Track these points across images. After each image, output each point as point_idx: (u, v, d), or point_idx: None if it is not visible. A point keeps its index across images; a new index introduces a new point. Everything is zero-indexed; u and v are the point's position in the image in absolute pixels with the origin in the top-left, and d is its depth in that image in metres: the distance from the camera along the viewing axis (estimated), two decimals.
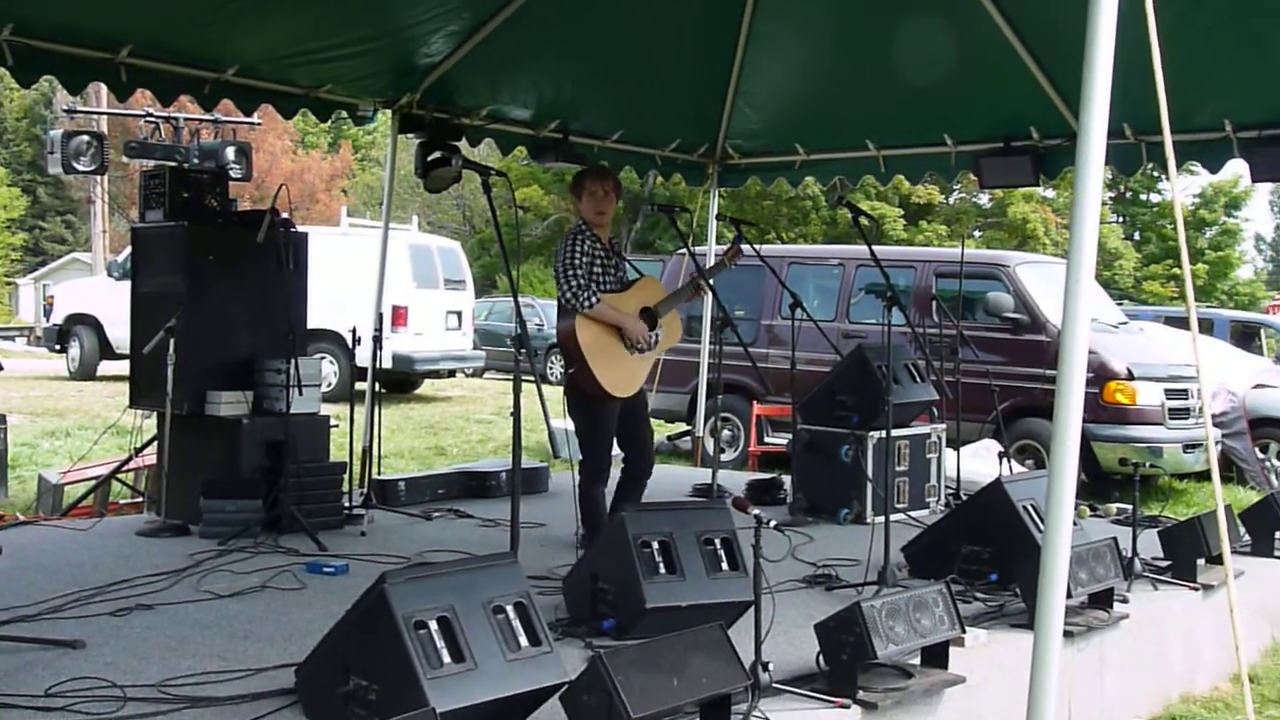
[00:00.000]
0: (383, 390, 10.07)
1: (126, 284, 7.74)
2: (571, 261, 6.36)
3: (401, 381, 18.85)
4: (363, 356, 8.41)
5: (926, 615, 4.50)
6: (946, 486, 8.52)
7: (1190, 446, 11.11)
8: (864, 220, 6.58)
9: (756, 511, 4.14)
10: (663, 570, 4.79)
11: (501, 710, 3.70)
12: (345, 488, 7.51)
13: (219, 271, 7.21)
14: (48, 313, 20.79)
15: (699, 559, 4.88)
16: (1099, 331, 10.94)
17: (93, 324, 19.27)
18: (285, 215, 7.18)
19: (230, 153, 8.02)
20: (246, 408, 7.16)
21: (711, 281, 6.99)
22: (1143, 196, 43.94)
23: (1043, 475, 5.88)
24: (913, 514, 7.93)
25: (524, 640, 3.79)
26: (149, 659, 4.50)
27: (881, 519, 6.16)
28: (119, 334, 17.04)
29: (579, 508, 6.44)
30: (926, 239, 34.77)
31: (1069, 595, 4.45)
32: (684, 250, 8.33)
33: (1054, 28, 7.64)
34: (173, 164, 7.60)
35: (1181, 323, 15.46)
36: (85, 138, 7.67)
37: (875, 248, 6.97)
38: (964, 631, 4.72)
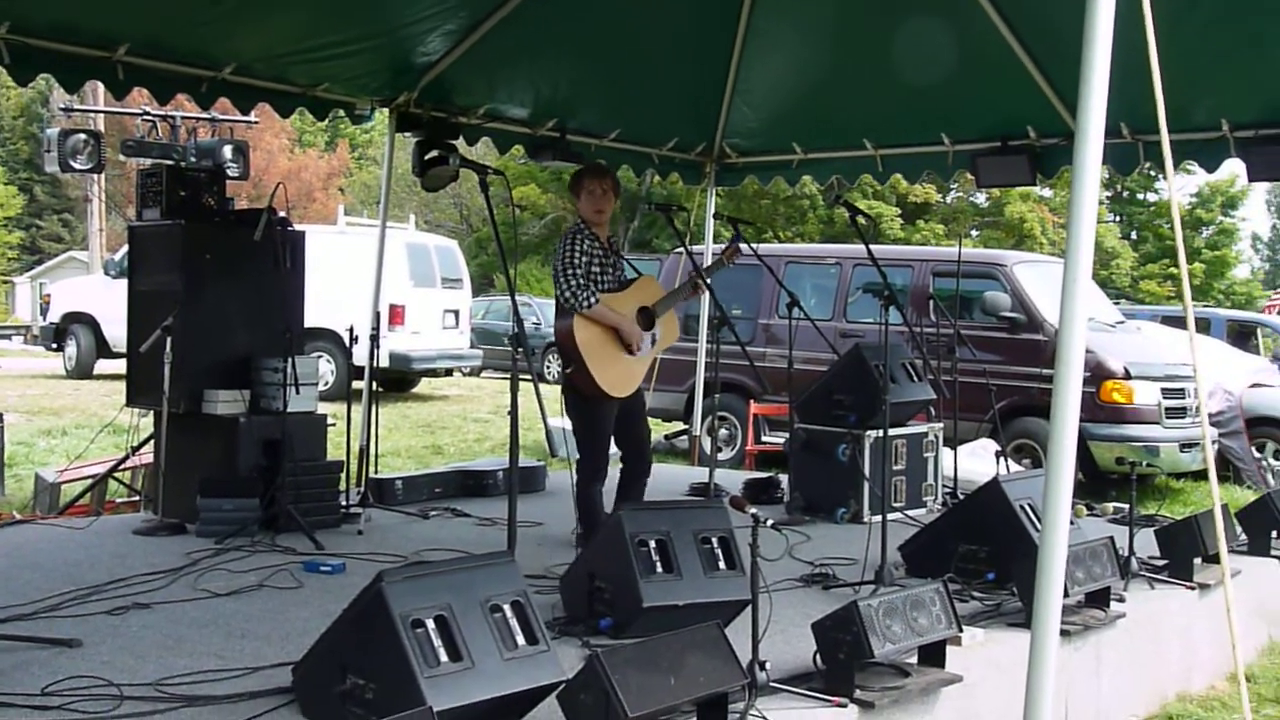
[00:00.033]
0: (380, 389, 10.07)
1: (123, 282, 7.73)
2: (570, 261, 6.36)
3: (399, 380, 18.86)
4: (360, 355, 8.43)
5: (923, 614, 4.50)
6: (943, 486, 8.52)
7: (1187, 446, 11.13)
8: (861, 219, 6.58)
9: (754, 510, 4.15)
10: (660, 569, 4.79)
11: (498, 709, 3.70)
12: (342, 486, 7.51)
13: (216, 270, 7.21)
14: (44, 311, 20.78)
15: (696, 558, 4.88)
16: (1096, 331, 10.96)
17: (89, 322, 19.27)
18: (282, 214, 7.18)
19: (227, 151, 8.02)
20: (243, 406, 7.15)
21: (709, 280, 6.99)
22: (1140, 196, 43.99)
23: (1040, 474, 5.89)
24: (910, 513, 7.94)
25: (521, 639, 3.79)
26: (146, 658, 4.49)
27: (878, 518, 6.16)
28: (116, 332, 17.03)
29: (576, 507, 6.45)
30: (924, 238, 34.78)
31: (1066, 594, 4.46)
32: (681, 249, 8.33)
33: (1051, 27, 7.64)
34: (170, 162, 7.59)
35: (1178, 322, 15.48)
36: (82, 136, 7.66)
37: (872, 247, 6.97)
38: (961, 630, 4.72)
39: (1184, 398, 11.28)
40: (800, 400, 8.29)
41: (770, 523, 4.21)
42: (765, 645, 4.16)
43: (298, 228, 7.86)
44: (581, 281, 6.33)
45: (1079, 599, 5.51)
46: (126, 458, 8.32)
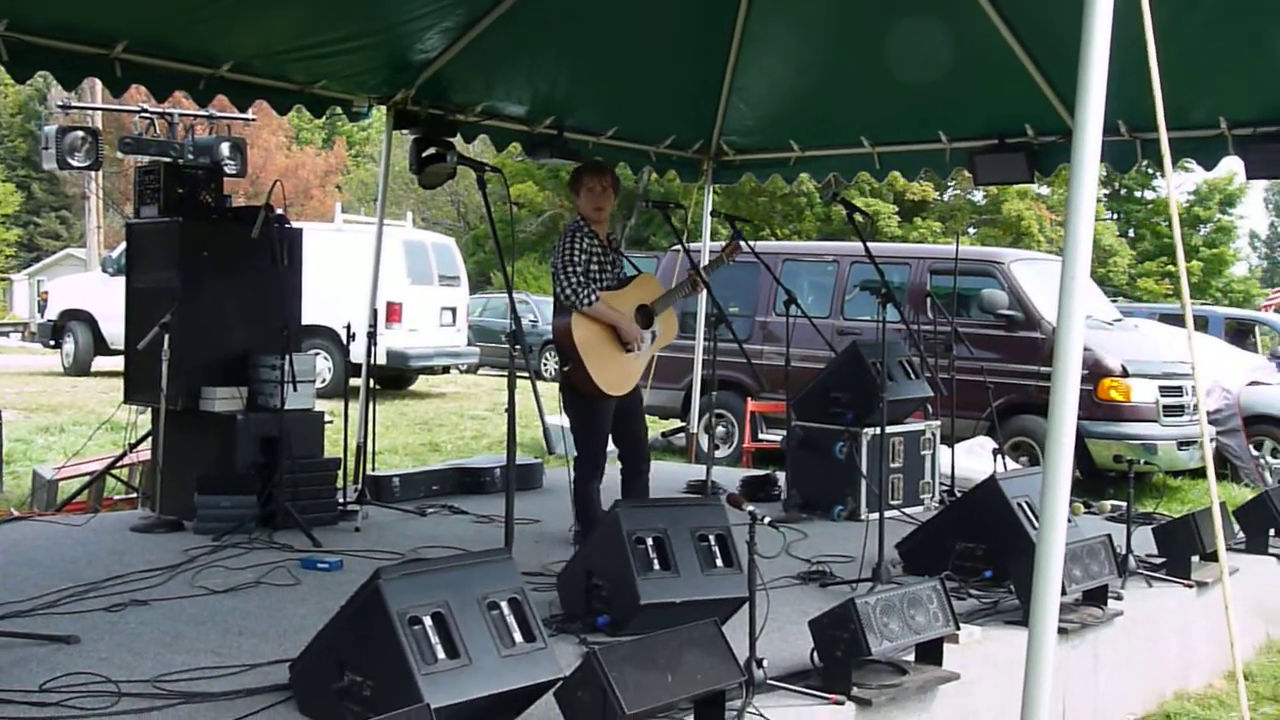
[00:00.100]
0: (377, 386, 10.07)
1: (121, 280, 7.73)
2: (570, 259, 6.35)
3: (396, 378, 18.84)
4: (357, 352, 8.42)
5: (921, 612, 4.50)
6: (941, 483, 8.52)
7: (1185, 443, 11.13)
8: (859, 217, 6.59)
9: (751, 508, 4.15)
10: (657, 566, 4.79)
11: (496, 706, 3.70)
12: (339, 484, 7.51)
13: (214, 267, 7.20)
14: (42, 308, 20.76)
15: (693, 555, 4.88)
16: (1094, 328, 10.96)
17: (87, 320, 19.25)
18: (280, 211, 7.18)
19: (225, 148, 8.02)
20: (241, 403, 7.15)
21: (709, 278, 6.99)
22: (1137, 193, 43.98)
23: (1037, 472, 5.89)
24: (907, 511, 7.95)
25: (518, 636, 3.79)
26: (143, 654, 4.50)
27: (876, 515, 6.16)
28: (113, 330, 17.01)
29: (574, 504, 6.45)
30: (921, 236, 34.76)
31: (1063, 592, 4.46)
32: (679, 247, 8.33)
33: (1049, 25, 7.64)
34: (167, 160, 7.59)
35: (1176, 320, 15.48)
36: (80, 133, 7.66)
37: (870, 244, 6.98)
38: (958, 628, 4.72)
39: (1182, 395, 11.28)
40: (798, 398, 8.29)
41: (767, 520, 4.21)
42: (762, 643, 4.16)
43: (295, 225, 7.86)
44: (581, 279, 6.33)
45: (1076, 597, 5.51)
46: (124, 455, 8.32)
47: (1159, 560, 6.48)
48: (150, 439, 7.59)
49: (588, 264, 6.40)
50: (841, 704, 4.15)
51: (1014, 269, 11.83)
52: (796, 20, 8.81)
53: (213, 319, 7.20)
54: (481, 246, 39.39)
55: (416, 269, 18.30)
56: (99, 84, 7.43)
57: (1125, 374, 10.95)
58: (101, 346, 19.11)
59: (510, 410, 5.15)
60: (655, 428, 12.58)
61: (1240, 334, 17.52)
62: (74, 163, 7.63)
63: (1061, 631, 4.61)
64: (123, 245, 9.87)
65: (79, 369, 19.18)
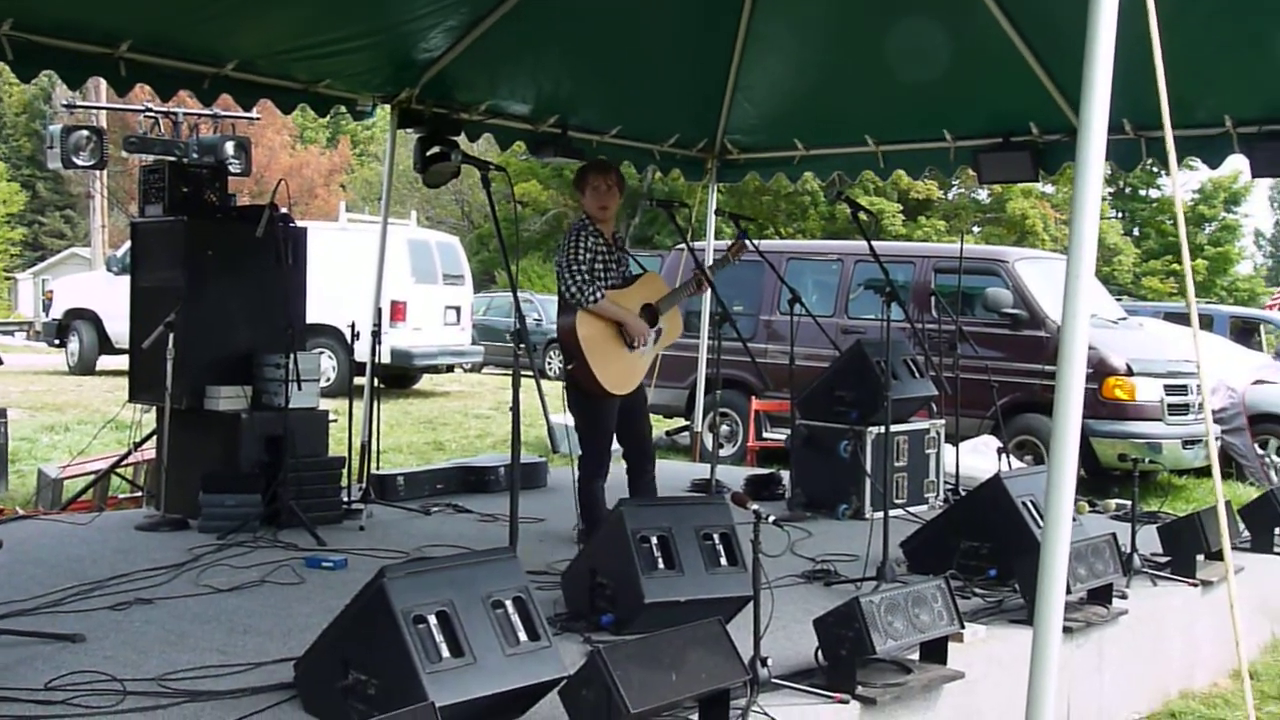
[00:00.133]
0: (381, 385, 10.08)
1: (125, 279, 7.73)
2: (575, 257, 6.35)
3: (400, 376, 18.85)
4: (361, 351, 8.42)
5: (925, 611, 4.50)
6: (945, 482, 8.52)
7: (1189, 442, 11.12)
8: (863, 216, 6.58)
9: (755, 507, 4.15)
10: (661, 565, 4.79)
11: (500, 705, 3.70)
12: (344, 482, 7.51)
13: (218, 266, 7.20)
14: (47, 308, 20.79)
15: (698, 554, 4.88)
16: (1098, 327, 10.95)
17: (92, 319, 19.27)
18: (284, 210, 7.18)
19: (229, 148, 8.02)
20: (245, 402, 7.15)
21: (714, 277, 6.99)
22: (1142, 192, 43.92)
23: (1041, 471, 5.87)
24: (911, 509, 7.93)
25: (523, 635, 3.79)
26: (148, 653, 4.50)
27: (880, 514, 6.16)
28: (118, 329, 17.03)
29: (578, 503, 6.45)
30: (925, 234, 34.75)
31: (1068, 591, 4.45)
32: (683, 245, 8.33)
33: (1053, 23, 7.63)
34: (172, 159, 7.59)
35: (1181, 319, 15.47)
36: (85, 133, 7.66)
37: (874, 243, 6.96)
38: (963, 627, 4.72)
39: (1186, 394, 11.27)
40: (802, 396, 8.28)
41: (772, 519, 4.21)
42: (767, 641, 4.16)
43: (299, 224, 7.87)
44: (586, 277, 6.33)
45: (1081, 596, 5.51)
46: (129, 454, 8.32)
47: (1164, 559, 6.47)
48: (155, 438, 7.59)
49: (592, 262, 6.40)
50: (846, 703, 4.14)
51: (1018, 268, 11.82)
52: (800, 19, 8.81)
53: (217, 318, 7.21)
54: (486, 245, 39.39)
55: (421, 268, 18.32)
56: (104, 83, 7.43)
57: (1130, 373, 10.93)
58: (106, 345, 19.14)
59: (515, 409, 5.15)
60: (660, 427, 12.58)
61: (1245, 333, 17.49)
62: (79, 162, 7.64)
63: (1066, 630, 4.61)
64: (127, 244, 9.86)
65: (84, 368, 19.20)
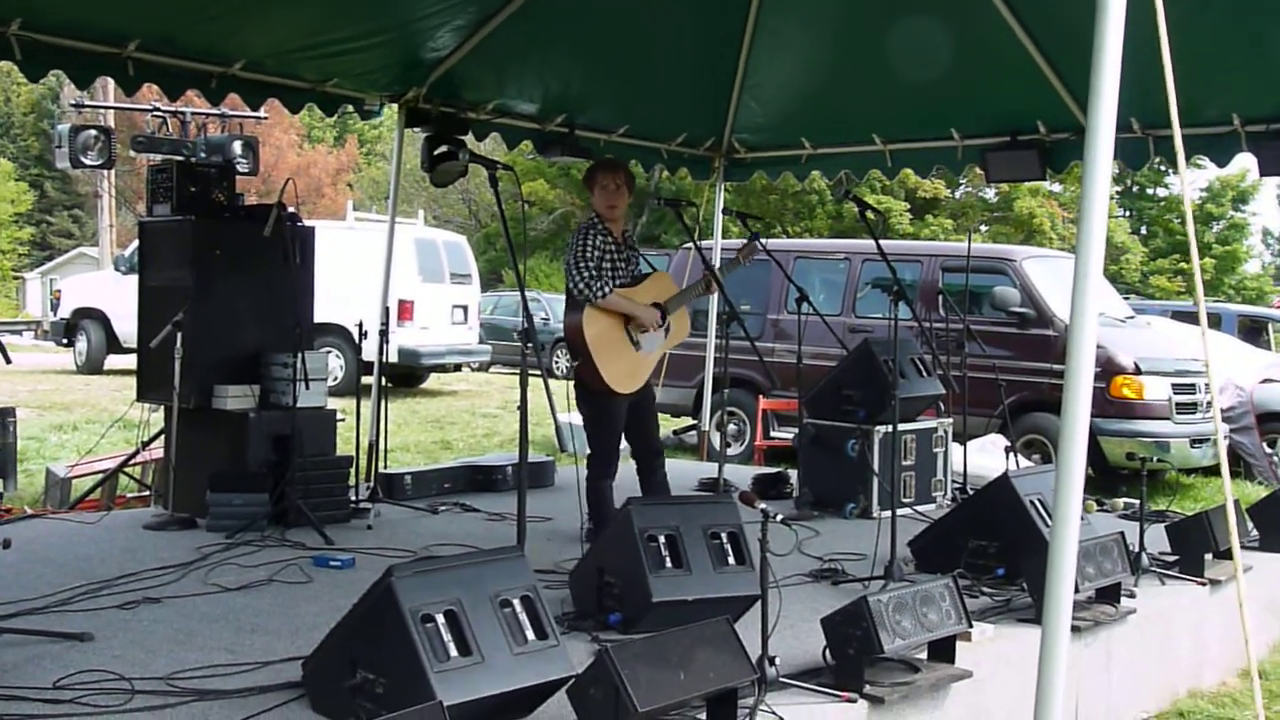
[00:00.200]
0: (389, 384, 10.08)
1: (133, 278, 7.76)
2: (583, 255, 6.35)
3: (407, 376, 18.87)
4: (369, 351, 8.43)
5: (933, 610, 4.49)
6: (953, 481, 8.50)
7: (1198, 441, 11.09)
8: (870, 214, 6.58)
9: (763, 506, 4.14)
10: (669, 564, 4.79)
11: (508, 704, 3.70)
12: (351, 482, 7.52)
13: (226, 266, 7.22)
14: (55, 307, 20.84)
15: (705, 553, 4.88)
16: (1106, 326, 10.92)
17: (100, 318, 19.32)
18: (292, 209, 7.19)
19: (237, 147, 8.03)
20: (253, 402, 7.16)
21: (723, 278, 6.98)
22: (1150, 191, 43.85)
23: (1049, 470, 5.88)
24: (919, 508, 7.93)
25: (530, 634, 3.79)
26: (156, 652, 4.51)
27: (888, 513, 6.15)
28: (126, 328, 17.04)
29: (586, 502, 6.45)
30: (932, 233, 34.70)
31: (1076, 590, 4.45)
32: (690, 244, 8.33)
33: (1061, 21, 7.61)
34: (180, 158, 7.61)
35: (1189, 317, 15.43)
36: (93, 132, 7.68)
37: (881, 242, 6.96)
38: (971, 626, 4.71)
39: (1195, 393, 11.24)
40: (809, 395, 8.28)
41: (779, 518, 4.21)
42: (775, 640, 4.16)
43: (307, 223, 7.87)
44: (594, 273, 6.33)
45: (1089, 595, 5.50)
46: (137, 453, 8.34)
47: (1172, 558, 6.46)
48: (163, 437, 7.61)
49: (600, 260, 6.40)
50: (854, 702, 4.14)
51: (1026, 266, 11.80)
52: (808, 18, 8.79)
53: (225, 317, 7.22)
54: (493, 244, 39.41)
55: (428, 267, 18.34)
56: (112, 83, 7.45)
57: (1138, 371, 10.91)
58: (114, 345, 19.17)
59: (522, 408, 5.16)
60: (667, 426, 12.57)
61: (1253, 331, 17.45)
62: (87, 161, 7.65)
63: (1074, 629, 4.61)
64: (135, 244, 9.90)
65: (92, 367, 19.25)
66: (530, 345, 5.11)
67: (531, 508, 5.59)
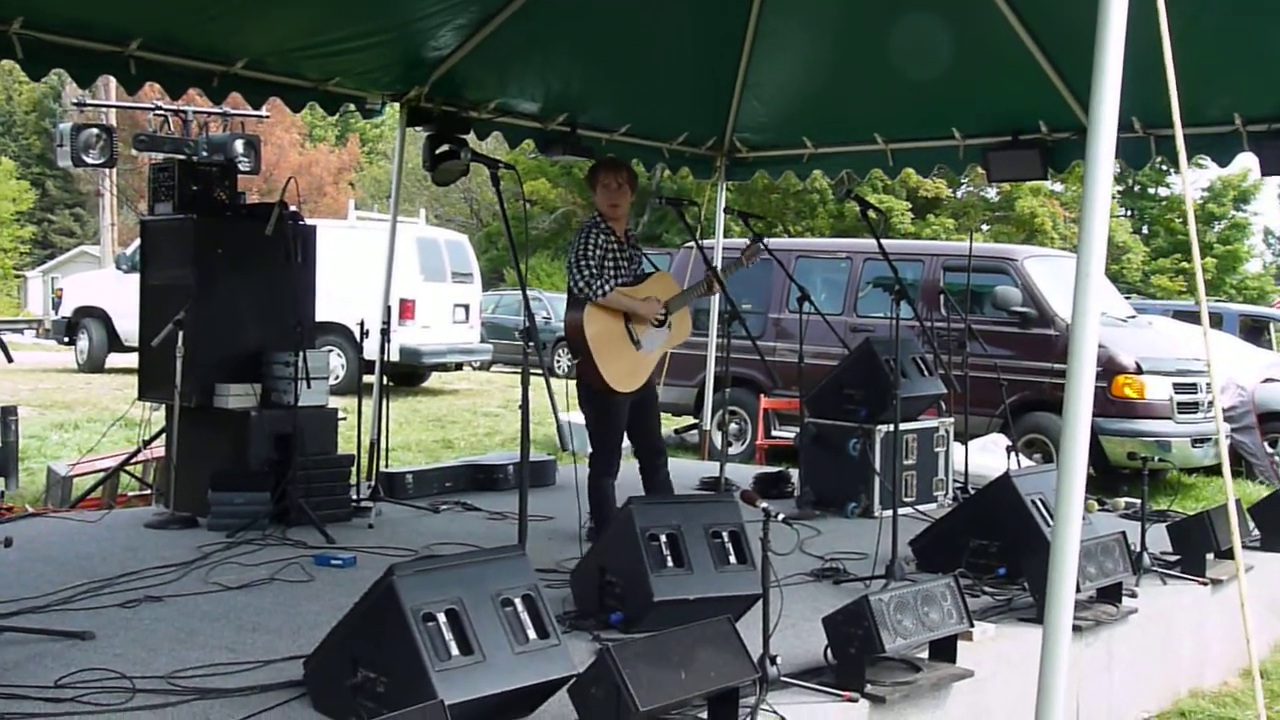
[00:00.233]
0: (390, 383, 10.08)
1: (135, 277, 7.75)
2: (584, 254, 6.36)
3: (409, 374, 18.88)
4: (370, 349, 8.43)
5: (934, 609, 4.49)
6: (954, 481, 8.51)
7: (1199, 441, 11.09)
8: (872, 214, 6.58)
9: (764, 505, 4.15)
10: (670, 563, 4.79)
11: (509, 703, 3.70)
12: (353, 480, 7.52)
13: (227, 264, 7.22)
14: (56, 305, 20.85)
15: (707, 552, 4.88)
16: (1107, 326, 10.92)
17: (101, 317, 19.33)
18: (293, 208, 7.19)
19: (239, 146, 8.03)
20: (254, 400, 7.17)
21: (725, 278, 6.98)
22: (1151, 190, 43.83)
23: (1051, 469, 5.88)
24: (920, 508, 7.93)
25: (532, 633, 3.79)
26: (158, 650, 4.51)
27: (889, 513, 6.15)
28: (127, 327, 17.06)
29: (588, 500, 6.45)
30: (934, 232, 34.71)
31: (1078, 590, 4.45)
32: (692, 243, 8.33)
33: (1063, 20, 7.61)
34: (181, 157, 7.60)
35: (1190, 317, 15.43)
36: (94, 131, 7.67)
37: (883, 241, 6.96)
38: (972, 625, 4.71)
39: (1196, 393, 11.24)
40: (811, 395, 8.28)
41: (781, 517, 4.21)
42: (776, 640, 4.16)
43: (308, 222, 7.87)
44: (595, 271, 6.33)
45: (1091, 594, 5.50)
46: (138, 451, 8.34)
47: (1174, 558, 6.46)
48: (164, 436, 7.61)
49: (602, 259, 6.40)
50: (855, 701, 4.14)
51: (1027, 266, 11.80)
52: (809, 17, 8.79)
53: (227, 316, 7.22)
54: (494, 243, 39.43)
55: (430, 266, 18.34)
56: (113, 82, 7.45)
57: (1139, 371, 10.91)
58: (116, 343, 19.19)
59: (524, 407, 5.16)
60: (668, 425, 12.57)
61: (1255, 331, 17.45)
62: (88, 160, 7.64)
63: (1076, 629, 4.60)
64: (137, 242, 9.89)
65: (93, 366, 19.26)
66: (532, 344, 5.11)
67: (533, 507, 5.59)
